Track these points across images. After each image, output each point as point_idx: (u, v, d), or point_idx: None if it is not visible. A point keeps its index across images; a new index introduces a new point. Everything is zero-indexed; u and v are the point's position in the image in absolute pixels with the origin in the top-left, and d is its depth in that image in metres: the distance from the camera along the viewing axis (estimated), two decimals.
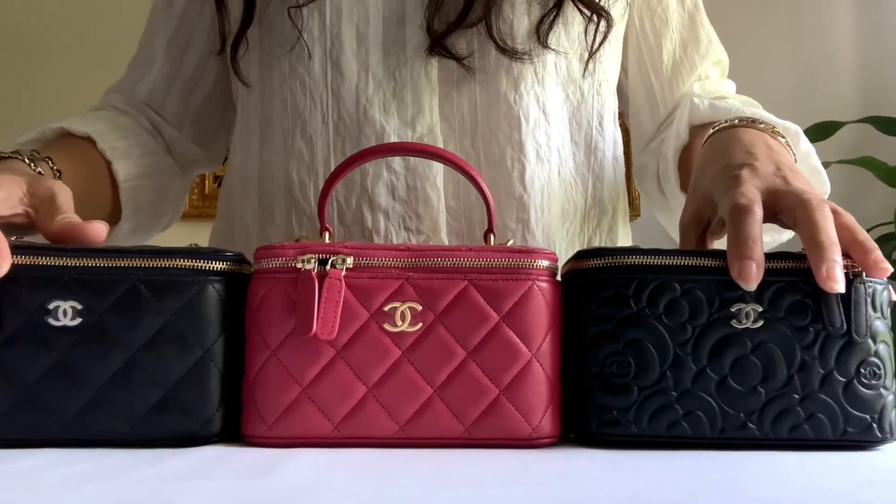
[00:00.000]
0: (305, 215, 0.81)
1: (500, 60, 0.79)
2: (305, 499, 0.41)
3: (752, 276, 0.53)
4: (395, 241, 0.78)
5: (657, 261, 0.55)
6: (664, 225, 0.93)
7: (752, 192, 0.59)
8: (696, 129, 0.81)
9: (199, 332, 0.54)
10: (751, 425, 0.54)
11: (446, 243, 0.78)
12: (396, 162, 0.78)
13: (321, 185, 0.79)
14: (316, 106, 0.80)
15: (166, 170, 0.91)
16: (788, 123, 0.75)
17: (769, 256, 0.55)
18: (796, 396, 0.54)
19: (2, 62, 2.42)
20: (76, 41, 2.40)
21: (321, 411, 0.53)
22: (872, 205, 2.12)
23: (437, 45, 0.77)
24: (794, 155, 0.71)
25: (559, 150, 0.82)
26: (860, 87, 2.40)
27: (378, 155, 0.64)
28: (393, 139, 0.78)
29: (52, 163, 0.72)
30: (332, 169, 0.78)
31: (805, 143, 0.75)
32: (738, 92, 0.92)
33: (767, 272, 0.54)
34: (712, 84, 0.90)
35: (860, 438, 0.55)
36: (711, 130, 0.72)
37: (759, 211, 0.57)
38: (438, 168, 0.78)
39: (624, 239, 0.90)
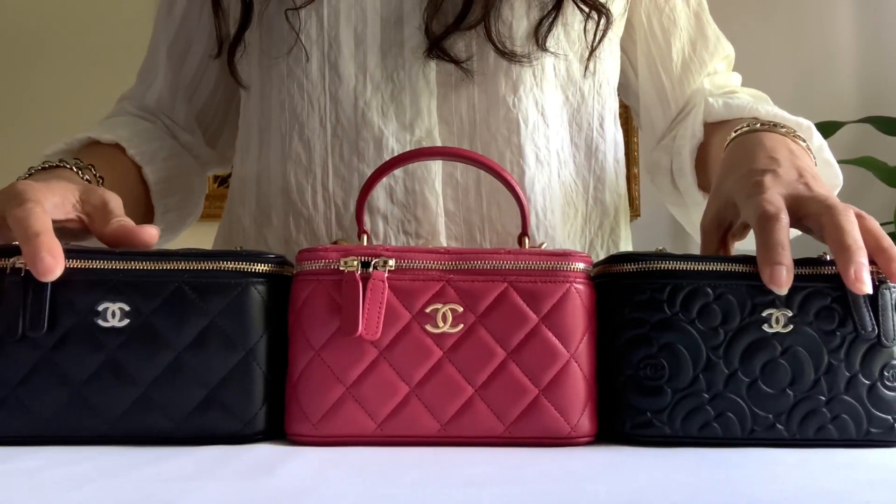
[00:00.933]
0: (303, 218, 0.80)
1: (499, 63, 0.78)
2: (305, 499, 0.41)
3: (783, 281, 0.55)
4: (394, 245, 0.78)
5: (690, 266, 0.56)
6: (678, 219, 0.94)
7: (777, 199, 0.60)
8: (710, 127, 0.82)
9: (243, 332, 0.55)
10: (779, 426, 0.56)
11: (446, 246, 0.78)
12: None
13: (318, 187, 0.79)
14: (314, 108, 0.80)
15: (189, 170, 0.93)
16: (801, 119, 0.76)
17: (798, 263, 0.57)
18: (823, 398, 0.56)
19: (2, 62, 2.42)
20: (76, 41, 2.40)
21: (365, 410, 0.54)
22: (872, 205, 2.12)
23: (435, 46, 0.77)
24: (815, 158, 0.73)
25: (558, 152, 0.82)
26: (860, 87, 2.42)
27: (419, 158, 0.65)
28: (391, 142, 0.77)
29: (95, 170, 0.73)
30: (330, 172, 0.79)
31: (818, 138, 0.77)
32: None
33: (797, 278, 0.56)
34: (721, 79, 0.91)
35: (883, 438, 0.56)
36: (734, 133, 0.73)
37: (785, 218, 0.58)
38: (437, 172, 0.78)
39: (625, 240, 0.91)
